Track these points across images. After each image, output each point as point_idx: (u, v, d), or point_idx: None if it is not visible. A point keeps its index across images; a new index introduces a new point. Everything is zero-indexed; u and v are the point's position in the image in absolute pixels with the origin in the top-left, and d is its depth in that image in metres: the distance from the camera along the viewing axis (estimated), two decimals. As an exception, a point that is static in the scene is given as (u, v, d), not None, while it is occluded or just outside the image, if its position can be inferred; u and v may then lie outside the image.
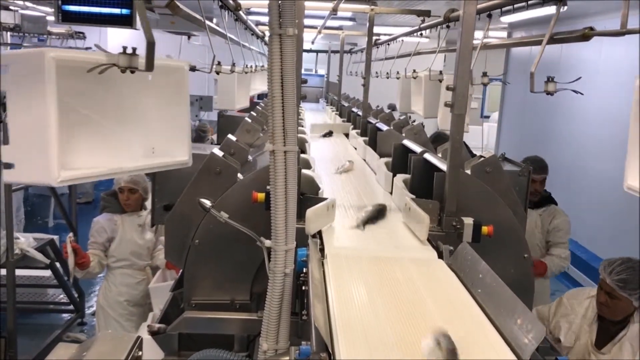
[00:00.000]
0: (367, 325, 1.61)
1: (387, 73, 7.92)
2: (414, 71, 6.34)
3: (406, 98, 6.68)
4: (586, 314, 3.03)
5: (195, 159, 2.85)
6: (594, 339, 2.97)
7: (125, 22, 3.37)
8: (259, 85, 8.27)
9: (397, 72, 7.25)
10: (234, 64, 5.43)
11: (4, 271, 4.50)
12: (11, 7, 7.60)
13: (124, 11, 3.35)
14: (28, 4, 7.33)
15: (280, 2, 1.91)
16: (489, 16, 4.02)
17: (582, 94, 3.29)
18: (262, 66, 8.03)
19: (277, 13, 1.90)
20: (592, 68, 8.07)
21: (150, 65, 1.76)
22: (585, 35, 2.98)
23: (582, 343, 3.00)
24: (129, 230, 4.38)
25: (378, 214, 2.72)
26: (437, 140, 5.34)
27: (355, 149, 5.09)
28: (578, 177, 8.43)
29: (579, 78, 3.25)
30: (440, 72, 5.63)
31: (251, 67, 7.12)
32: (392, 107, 9.60)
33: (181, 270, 2.88)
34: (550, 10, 3.71)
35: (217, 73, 5.21)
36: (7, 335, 4.32)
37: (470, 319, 1.72)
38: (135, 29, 3.46)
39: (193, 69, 4.02)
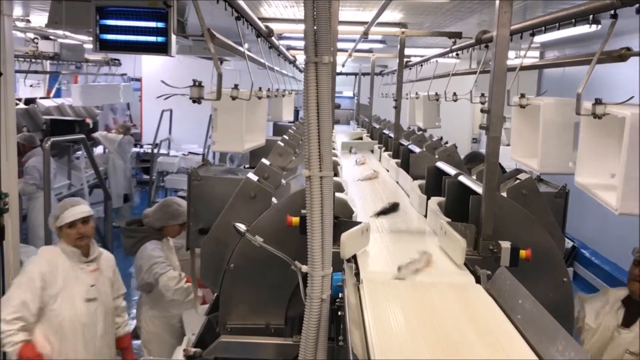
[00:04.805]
0: (406, 352, 1.60)
1: (405, 94, 8.29)
2: (417, 93, 8.47)
3: (412, 114, 8.84)
4: (612, 302, 3.43)
5: (230, 184, 2.90)
6: (619, 321, 3.36)
7: (161, 49, 3.48)
8: (286, 112, 7.85)
9: (407, 94, 8.65)
10: (236, 87, 3.87)
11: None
12: (50, 37, 7.90)
13: (159, 39, 3.46)
14: (67, 33, 7.60)
15: (315, 29, 1.93)
16: (521, 37, 4.00)
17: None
18: (284, 90, 7.43)
19: (313, 41, 1.93)
20: (631, 88, 7.94)
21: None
22: (622, 56, 2.94)
23: (605, 326, 3.38)
24: (169, 254, 4.49)
25: (391, 208, 3.38)
26: (472, 160, 5.32)
27: (388, 171, 5.08)
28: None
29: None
30: (417, 94, 8.47)
31: (269, 90, 5.32)
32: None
33: (216, 294, 2.90)
34: (583, 29, 3.68)
35: (195, 101, 3.00)
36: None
37: (510, 346, 1.69)
38: (170, 56, 3.55)
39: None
